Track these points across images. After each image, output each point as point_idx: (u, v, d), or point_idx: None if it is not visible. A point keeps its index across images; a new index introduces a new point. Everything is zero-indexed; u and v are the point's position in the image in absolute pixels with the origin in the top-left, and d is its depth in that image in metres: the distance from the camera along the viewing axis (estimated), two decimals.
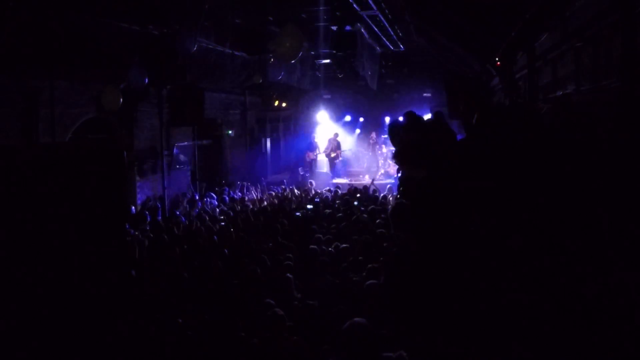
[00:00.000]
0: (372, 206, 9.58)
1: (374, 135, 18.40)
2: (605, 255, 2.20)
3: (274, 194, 12.72)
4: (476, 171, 2.53)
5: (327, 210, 9.79)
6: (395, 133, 3.31)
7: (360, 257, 6.36)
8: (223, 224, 8.91)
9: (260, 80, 12.94)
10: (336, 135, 17.79)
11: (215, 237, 7.78)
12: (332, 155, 17.47)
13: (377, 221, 8.26)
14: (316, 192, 12.87)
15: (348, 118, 19.58)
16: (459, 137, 3.16)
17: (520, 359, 2.20)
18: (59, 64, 8.04)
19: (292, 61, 7.77)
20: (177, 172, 12.92)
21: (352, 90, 18.26)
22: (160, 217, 10.05)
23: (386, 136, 17.62)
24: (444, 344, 2.37)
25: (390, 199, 10.59)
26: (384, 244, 6.69)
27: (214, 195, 12.32)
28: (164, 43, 8.57)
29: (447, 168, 2.62)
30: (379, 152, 18.18)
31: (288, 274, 5.59)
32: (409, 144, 2.98)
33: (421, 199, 2.70)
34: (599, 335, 2.08)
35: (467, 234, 2.48)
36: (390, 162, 16.09)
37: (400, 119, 3.20)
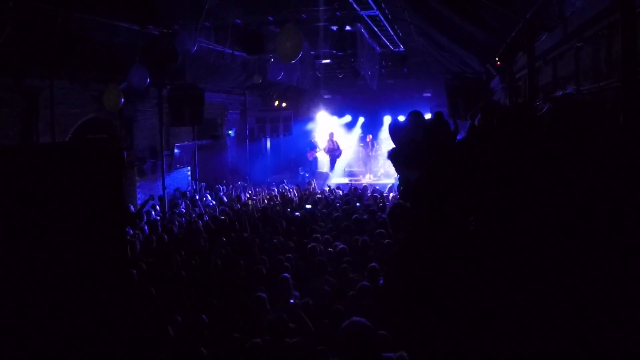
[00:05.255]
0: (372, 206, 9.58)
1: (370, 137, 18.55)
2: (605, 255, 2.20)
3: (274, 193, 12.73)
4: (477, 171, 2.53)
5: (324, 210, 9.79)
6: (396, 133, 3.30)
7: (359, 257, 6.35)
8: (223, 224, 8.91)
9: (260, 80, 12.95)
10: (332, 134, 17.97)
11: (215, 236, 7.78)
12: (332, 147, 17.69)
13: (377, 221, 8.27)
14: (316, 192, 12.88)
15: (348, 118, 19.59)
16: (459, 137, 3.16)
17: (520, 359, 2.20)
18: (59, 64, 8.04)
19: (292, 61, 7.75)
20: (177, 172, 12.93)
21: (352, 90, 18.29)
22: (159, 217, 10.05)
23: (386, 136, 17.71)
24: (443, 344, 2.36)
25: (391, 198, 10.60)
26: (383, 244, 6.69)
27: (209, 196, 12.33)
28: (164, 43, 8.58)
29: (447, 168, 2.62)
30: (379, 152, 18.25)
31: (285, 274, 5.58)
32: (408, 145, 2.98)
33: (420, 200, 2.70)
34: (599, 336, 2.08)
35: (467, 234, 2.48)
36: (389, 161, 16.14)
37: (401, 118, 3.20)
